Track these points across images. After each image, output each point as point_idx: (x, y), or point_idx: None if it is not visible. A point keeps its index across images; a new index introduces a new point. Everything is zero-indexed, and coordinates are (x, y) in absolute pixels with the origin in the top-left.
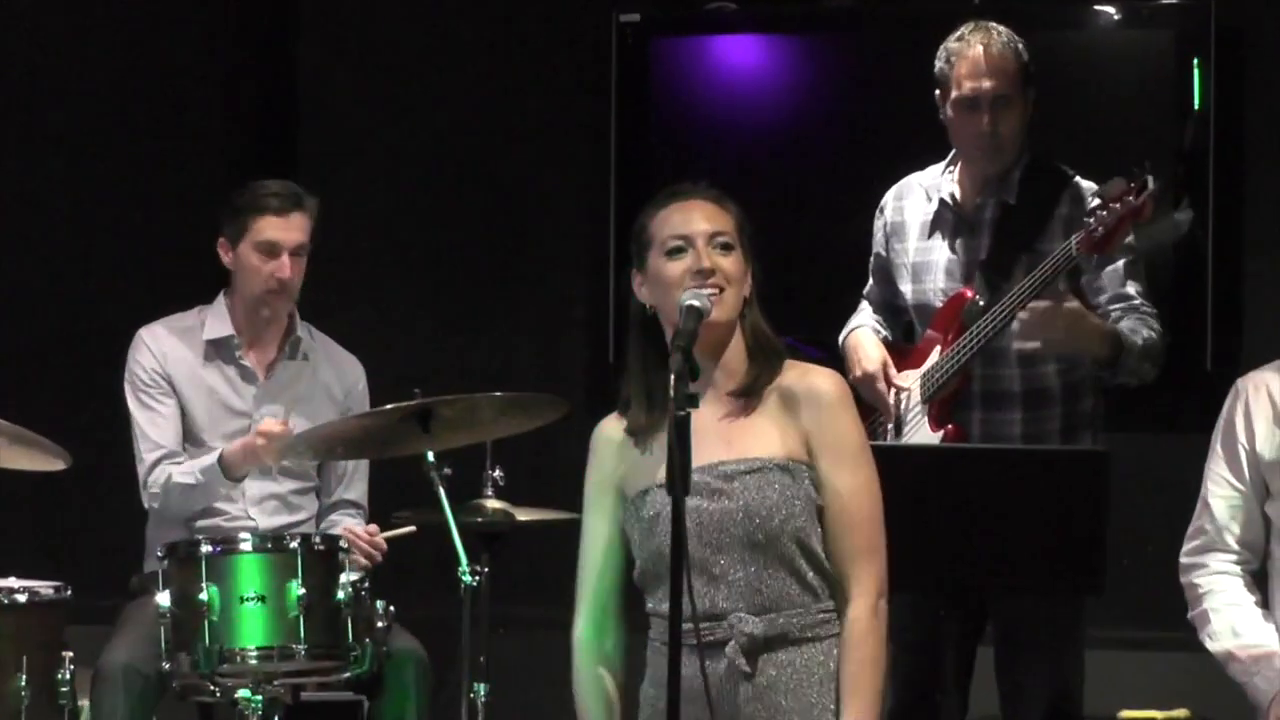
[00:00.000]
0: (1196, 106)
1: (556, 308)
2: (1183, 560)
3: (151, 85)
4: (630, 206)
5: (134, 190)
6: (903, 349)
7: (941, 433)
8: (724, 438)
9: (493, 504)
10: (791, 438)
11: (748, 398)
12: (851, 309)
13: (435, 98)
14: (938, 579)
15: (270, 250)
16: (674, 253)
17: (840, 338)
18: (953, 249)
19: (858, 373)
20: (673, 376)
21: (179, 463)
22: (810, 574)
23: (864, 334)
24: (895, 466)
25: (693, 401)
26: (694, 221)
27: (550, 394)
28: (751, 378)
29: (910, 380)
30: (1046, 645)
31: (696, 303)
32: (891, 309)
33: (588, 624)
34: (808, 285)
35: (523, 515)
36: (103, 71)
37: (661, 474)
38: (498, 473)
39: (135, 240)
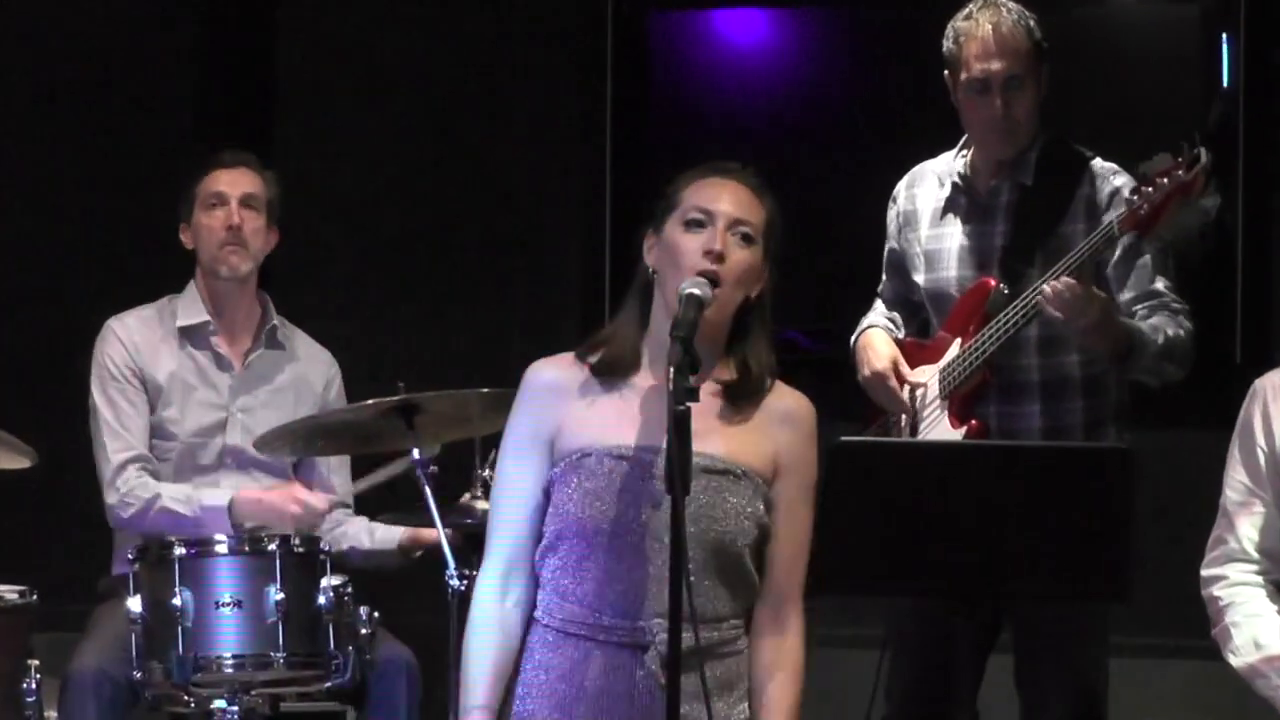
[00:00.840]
0: (1225, 84)
1: (549, 296)
2: (1203, 573)
3: (119, 69)
4: (627, 189)
5: (101, 178)
6: (918, 344)
7: (965, 429)
8: (694, 430)
9: (482, 504)
10: (761, 451)
11: (727, 403)
12: (857, 295)
13: (419, 73)
14: (949, 585)
15: (218, 200)
16: (692, 225)
17: (852, 339)
18: (967, 235)
19: (866, 372)
20: (671, 370)
21: (151, 470)
22: (738, 588)
23: (874, 333)
24: (903, 464)
25: (692, 396)
26: (723, 200)
27: None
28: (738, 391)
29: (926, 376)
30: (1069, 652)
31: (697, 291)
32: (907, 304)
33: (493, 577)
34: (812, 271)
35: None
36: (70, 54)
37: (608, 437)
38: (488, 472)
39: (102, 229)
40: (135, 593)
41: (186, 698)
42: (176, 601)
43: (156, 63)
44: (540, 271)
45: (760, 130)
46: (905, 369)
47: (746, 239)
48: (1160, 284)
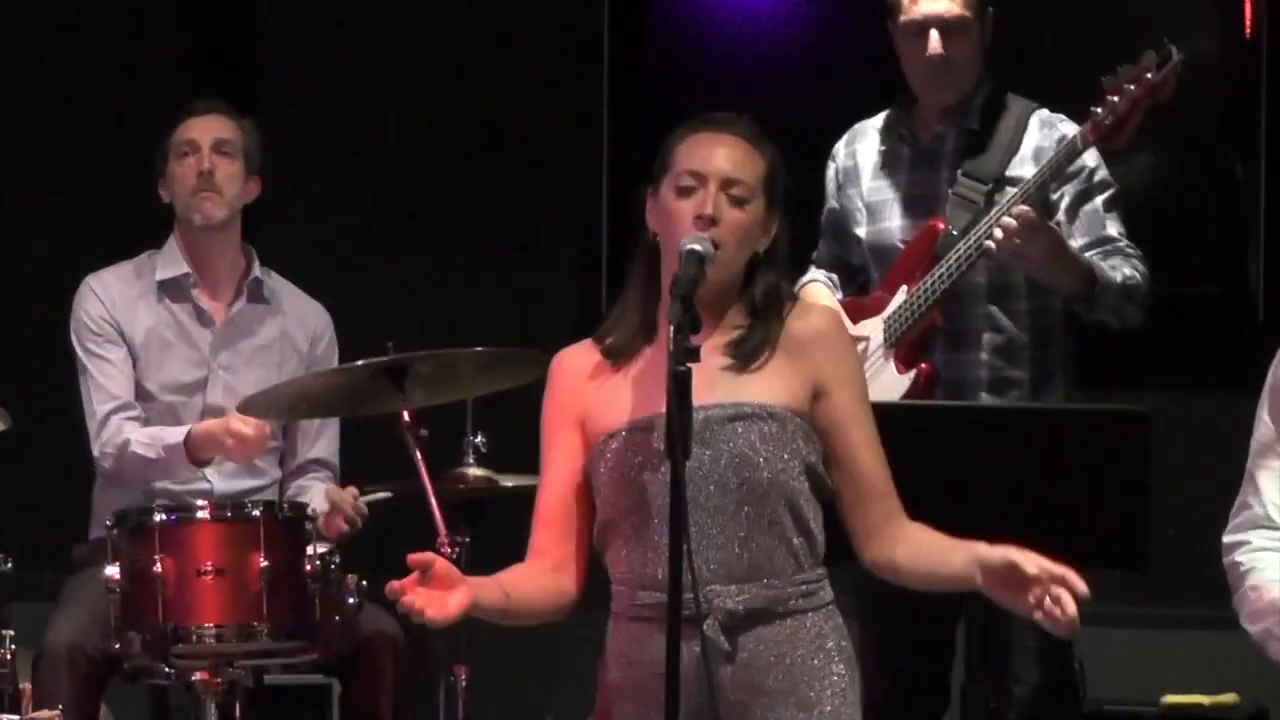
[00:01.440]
0: (1247, 34)
1: (543, 255)
2: (1225, 539)
3: (101, 19)
4: (624, 145)
5: (80, 133)
6: (857, 303)
7: (912, 373)
8: (710, 380)
9: (474, 470)
10: (791, 383)
11: (742, 355)
12: None
13: (411, 27)
14: None
15: (190, 147)
16: (684, 190)
17: (803, 280)
18: (911, 183)
19: None
20: (671, 329)
21: (134, 416)
22: (796, 539)
23: (814, 287)
24: (905, 428)
25: (693, 355)
26: (714, 160)
27: (536, 349)
28: (747, 338)
29: (869, 329)
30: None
31: (698, 247)
32: (844, 267)
33: (537, 571)
34: (816, 229)
35: (507, 482)
36: (51, 6)
37: (628, 414)
38: (480, 438)
39: (80, 186)
40: (113, 560)
41: (166, 669)
42: (156, 569)
43: (140, 13)
44: (535, 230)
45: (761, 84)
46: (847, 322)
47: (739, 201)
48: (1113, 229)
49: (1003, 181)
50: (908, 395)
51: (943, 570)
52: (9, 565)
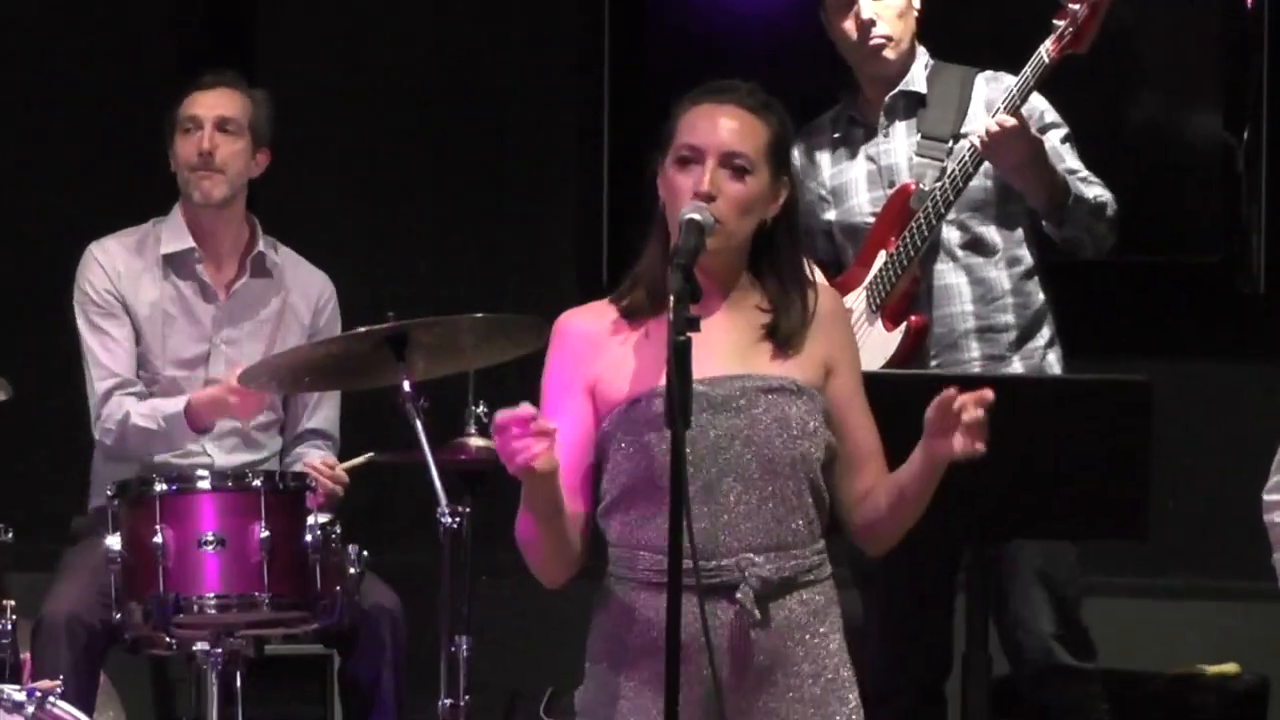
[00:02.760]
0: (1248, 2)
1: (544, 223)
2: (1266, 498)
3: None
4: (625, 114)
5: (79, 99)
6: (835, 282)
7: (902, 328)
8: (740, 353)
9: (475, 441)
10: (813, 361)
11: (771, 331)
12: None
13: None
14: (957, 526)
15: (191, 124)
16: (683, 162)
17: None
18: (870, 158)
19: None
20: (671, 298)
21: (135, 392)
22: (814, 511)
23: None
24: (904, 398)
25: (693, 325)
26: (714, 132)
27: (537, 317)
28: (782, 328)
29: (851, 301)
30: (1040, 572)
31: (698, 216)
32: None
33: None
34: None
35: None
36: None
37: (642, 384)
38: (481, 408)
39: (80, 152)
40: (114, 530)
41: (168, 639)
42: (157, 540)
43: None
44: (536, 198)
45: (763, 54)
46: None
47: (740, 171)
48: (1072, 161)
49: (959, 137)
50: (900, 350)
51: (905, 475)
52: (9, 535)
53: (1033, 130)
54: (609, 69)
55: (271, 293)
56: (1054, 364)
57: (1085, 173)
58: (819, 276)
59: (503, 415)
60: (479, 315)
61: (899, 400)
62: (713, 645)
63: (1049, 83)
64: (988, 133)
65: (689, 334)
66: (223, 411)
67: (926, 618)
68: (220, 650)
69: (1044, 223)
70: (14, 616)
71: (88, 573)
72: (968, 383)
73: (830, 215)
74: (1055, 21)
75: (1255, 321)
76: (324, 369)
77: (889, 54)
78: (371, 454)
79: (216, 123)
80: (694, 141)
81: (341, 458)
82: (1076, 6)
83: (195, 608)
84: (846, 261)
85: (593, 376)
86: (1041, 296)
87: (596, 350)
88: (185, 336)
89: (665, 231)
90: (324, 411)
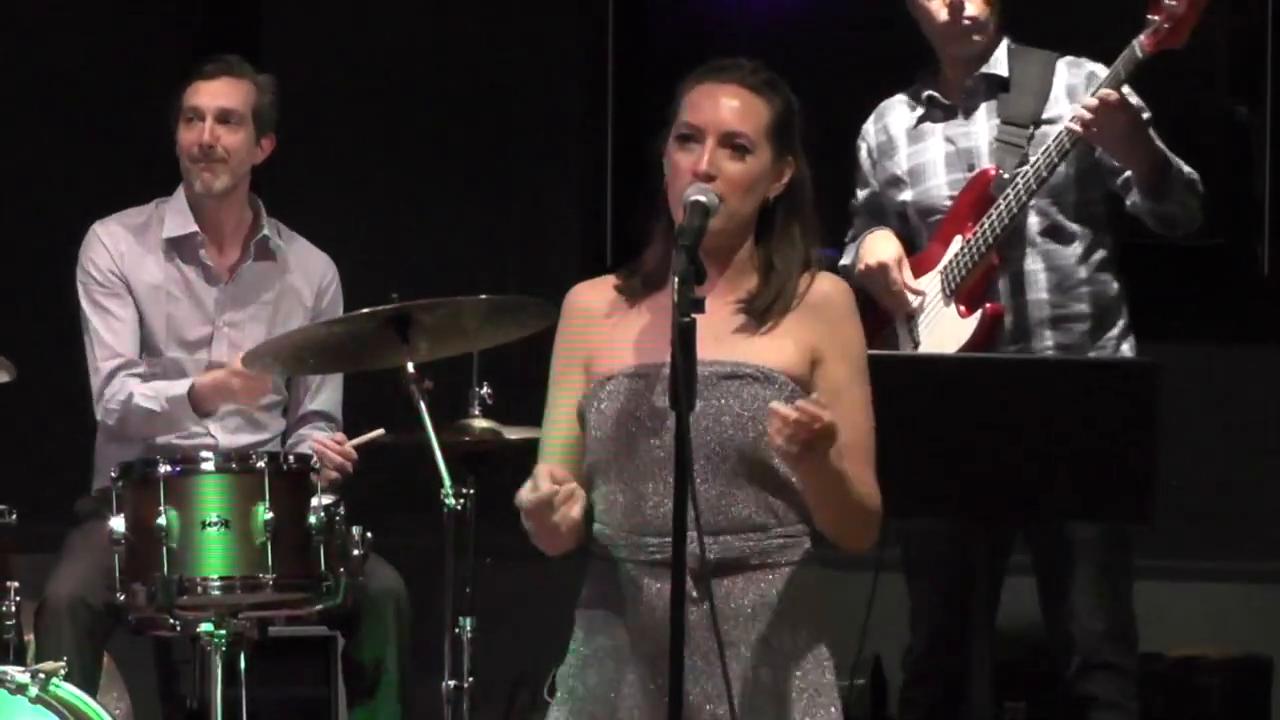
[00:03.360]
0: None
1: (548, 204)
2: None
3: None
4: (630, 97)
5: (83, 82)
6: (913, 258)
7: (978, 314)
8: (716, 336)
9: (480, 422)
10: (793, 348)
11: (753, 313)
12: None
13: None
14: (967, 504)
15: (193, 115)
16: (684, 140)
17: (847, 258)
18: (948, 139)
19: (870, 262)
20: (675, 279)
21: (138, 373)
22: (772, 497)
23: (879, 234)
24: (918, 379)
25: (697, 307)
26: (714, 111)
27: (541, 299)
28: (759, 296)
29: (925, 283)
30: (1095, 566)
31: (702, 198)
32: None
33: None
34: (824, 186)
35: (512, 434)
36: None
37: (630, 359)
38: (485, 389)
39: (83, 134)
40: (118, 512)
41: (171, 621)
42: (161, 521)
43: None
44: (540, 179)
45: (768, 33)
46: (908, 273)
47: (740, 150)
48: (1157, 142)
49: (1040, 123)
50: (974, 337)
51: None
52: (13, 517)
53: (1137, 103)
54: (613, 50)
55: (274, 275)
56: (1127, 354)
57: (1170, 154)
58: (894, 248)
59: (529, 501)
60: (483, 297)
61: (895, 383)
62: (653, 617)
63: (1139, 77)
64: (1088, 109)
65: (694, 315)
66: (227, 396)
67: (962, 603)
68: (224, 631)
69: (1138, 199)
70: (18, 598)
71: (91, 554)
72: (971, 366)
73: (906, 196)
74: (1150, 16)
75: (1262, 303)
76: (328, 350)
77: (977, 36)
78: (381, 430)
79: (217, 114)
80: (694, 120)
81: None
82: (1174, 2)
83: (199, 589)
84: (921, 243)
85: (589, 351)
86: (1116, 286)
87: (595, 324)
88: (188, 318)
89: (669, 209)
90: (326, 393)
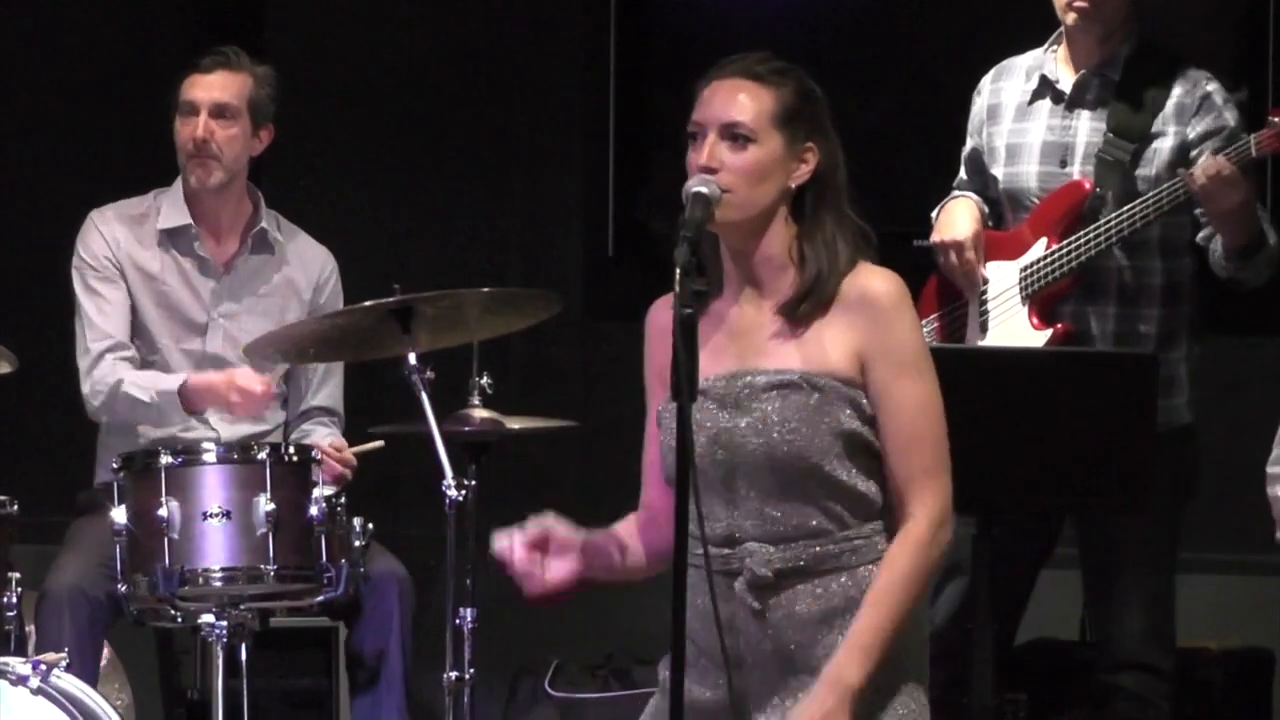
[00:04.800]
0: None
1: (551, 197)
2: (1270, 470)
3: None
4: (632, 88)
5: (84, 72)
6: (997, 235)
7: (1049, 332)
8: (756, 345)
9: (480, 412)
10: (839, 350)
11: (792, 312)
12: (879, 197)
13: None
14: (963, 497)
15: (189, 110)
16: (691, 138)
17: (934, 211)
18: (1050, 129)
19: (945, 237)
20: (677, 271)
21: (127, 357)
22: (834, 502)
23: (962, 201)
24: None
25: (700, 298)
26: (713, 106)
27: (542, 290)
28: (793, 299)
29: (1003, 270)
30: (1140, 564)
31: (704, 190)
32: (985, 201)
33: (642, 524)
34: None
35: (513, 424)
36: None
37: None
38: (485, 379)
39: (84, 125)
40: (120, 503)
41: (173, 612)
42: (163, 512)
43: None
44: (542, 171)
45: (774, 32)
46: (982, 253)
47: (740, 140)
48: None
49: (1149, 139)
50: None
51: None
52: (14, 508)
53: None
54: (615, 42)
55: (272, 268)
56: (1183, 381)
57: (1264, 213)
58: (971, 223)
59: (501, 550)
60: (484, 289)
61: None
62: (722, 627)
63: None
64: (1205, 175)
65: (693, 307)
66: (217, 401)
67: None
68: (225, 622)
69: (1220, 258)
70: (19, 589)
71: (93, 545)
72: (970, 356)
73: (999, 171)
74: (1272, 118)
75: (1263, 295)
76: (329, 341)
77: (1084, 22)
78: (381, 442)
79: (212, 109)
80: (697, 117)
81: (346, 433)
82: None
83: (201, 580)
84: (1008, 221)
85: (661, 365)
86: (1187, 309)
87: (664, 338)
88: (183, 309)
89: None
90: (328, 389)
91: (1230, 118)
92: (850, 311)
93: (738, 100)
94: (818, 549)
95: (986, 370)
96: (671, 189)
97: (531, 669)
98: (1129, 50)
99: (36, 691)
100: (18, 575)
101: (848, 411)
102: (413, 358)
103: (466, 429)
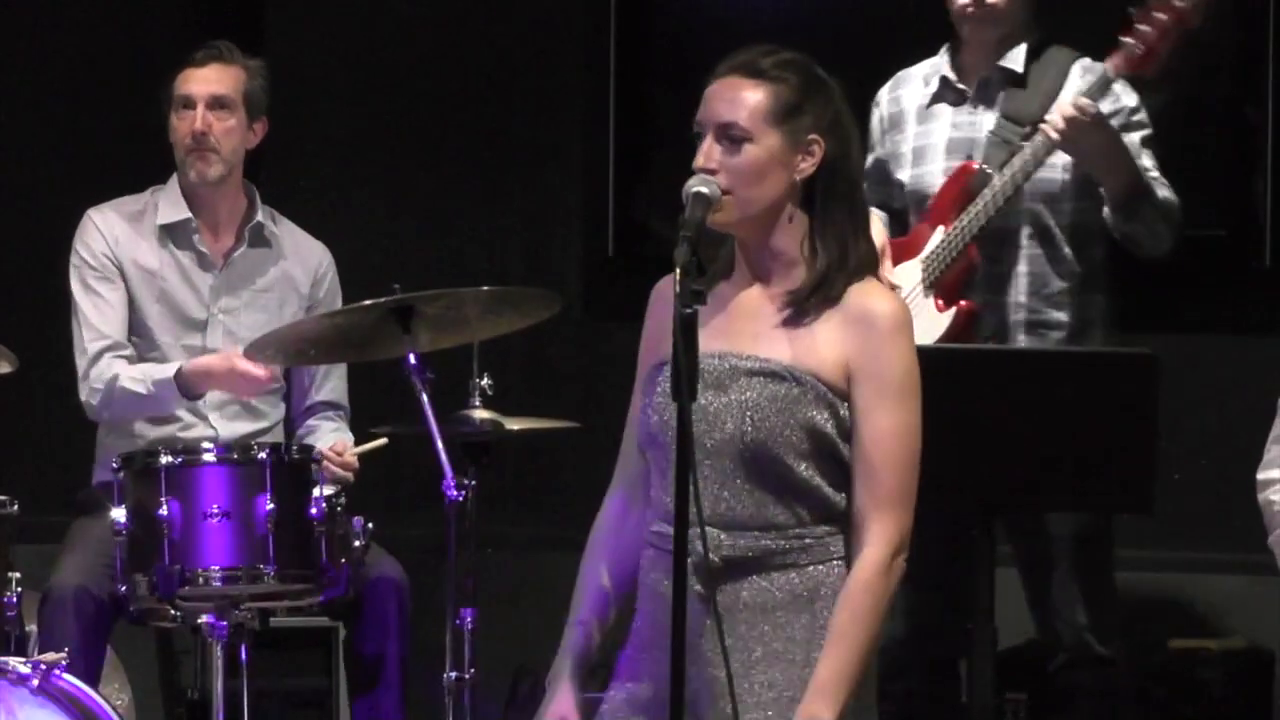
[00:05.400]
0: None
1: (551, 197)
2: (1259, 476)
3: None
4: (632, 85)
5: (82, 69)
6: (900, 241)
7: (952, 311)
8: (752, 330)
9: (480, 413)
10: (830, 356)
11: (795, 305)
12: None
13: None
14: (965, 497)
15: (185, 104)
16: (696, 139)
17: None
18: (955, 126)
19: None
20: (677, 270)
21: (125, 356)
22: (792, 499)
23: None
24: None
25: (699, 298)
26: (710, 106)
27: (542, 289)
28: (801, 291)
29: (908, 270)
30: (1078, 558)
31: (704, 189)
32: (887, 214)
33: (614, 499)
34: None
35: (513, 425)
36: None
37: (667, 354)
38: (485, 380)
39: (82, 122)
40: (120, 503)
41: (173, 612)
42: (163, 512)
43: None
44: (543, 169)
45: (776, 30)
46: (889, 264)
47: (736, 139)
48: (1147, 162)
49: (1041, 124)
50: (948, 332)
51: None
52: (15, 508)
53: (1111, 123)
54: (615, 42)
55: (270, 262)
56: None
57: (1157, 174)
58: (881, 237)
59: None
60: (484, 288)
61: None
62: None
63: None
64: (1063, 117)
65: (695, 306)
66: (215, 383)
67: (937, 594)
68: (225, 623)
69: (1109, 212)
70: (20, 589)
71: (93, 545)
72: (972, 357)
73: (905, 175)
74: (1123, 39)
75: (1263, 295)
76: (330, 341)
77: (984, 22)
78: (384, 440)
79: (209, 102)
80: (699, 116)
81: (349, 428)
82: (1145, 27)
83: (201, 580)
84: (911, 225)
85: (655, 331)
86: (1102, 298)
87: (666, 307)
88: (183, 305)
89: None
90: (333, 382)
91: (1129, 100)
92: (849, 323)
93: (732, 100)
94: (769, 543)
95: (986, 370)
96: (671, 189)
97: (531, 669)
98: (1029, 45)
99: (37, 691)
100: (18, 575)
101: (824, 414)
102: (413, 358)
103: (466, 429)
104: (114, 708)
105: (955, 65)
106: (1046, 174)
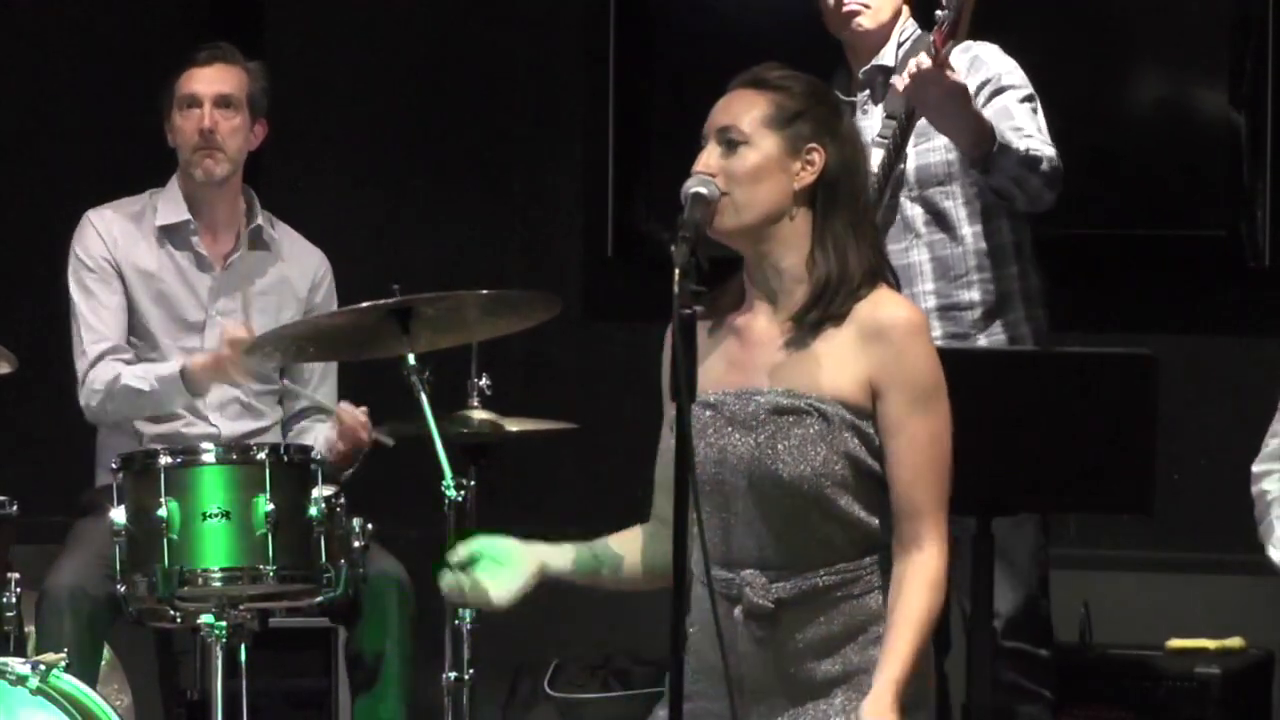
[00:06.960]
0: None
1: (550, 198)
2: (1255, 469)
3: None
4: (632, 89)
5: (82, 70)
6: None
7: None
8: (767, 360)
9: (479, 414)
10: (850, 376)
11: (804, 325)
12: None
13: None
14: (964, 497)
15: (190, 103)
16: (699, 150)
17: None
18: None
19: None
20: (676, 272)
21: (125, 358)
22: (833, 534)
23: None
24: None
25: (699, 299)
26: (712, 116)
27: (542, 291)
28: (803, 306)
29: None
30: (1006, 553)
31: (702, 190)
32: None
33: (645, 525)
34: None
35: (512, 426)
36: None
37: (704, 386)
38: (485, 380)
39: (82, 124)
40: (119, 503)
41: (172, 612)
42: (162, 512)
43: None
44: (542, 171)
45: (777, 32)
46: None
47: (733, 143)
48: (1022, 121)
49: (914, 114)
50: None
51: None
52: (14, 508)
53: (955, 77)
54: (615, 42)
55: (268, 265)
56: (1026, 342)
57: (1032, 131)
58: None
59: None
60: (484, 291)
61: None
62: (724, 647)
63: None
64: (907, 75)
65: (695, 308)
66: (219, 375)
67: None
68: (225, 623)
69: (973, 171)
70: (19, 589)
71: (93, 545)
72: (970, 357)
73: None
74: (937, 12)
75: (1261, 295)
76: (330, 340)
77: (865, 22)
78: (392, 441)
79: (215, 100)
80: (705, 126)
81: None
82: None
83: (200, 580)
84: None
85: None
86: (1015, 271)
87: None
88: (181, 306)
89: None
90: (325, 388)
91: (1000, 65)
92: (865, 339)
93: (729, 107)
94: (817, 581)
95: (986, 370)
96: (671, 189)
97: (531, 669)
98: (906, 40)
99: (36, 692)
100: (18, 575)
101: (855, 441)
102: (412, 358)
103: (466, 430)
104: (113, 708)
105: (843, 79)
106: (931, 158)
